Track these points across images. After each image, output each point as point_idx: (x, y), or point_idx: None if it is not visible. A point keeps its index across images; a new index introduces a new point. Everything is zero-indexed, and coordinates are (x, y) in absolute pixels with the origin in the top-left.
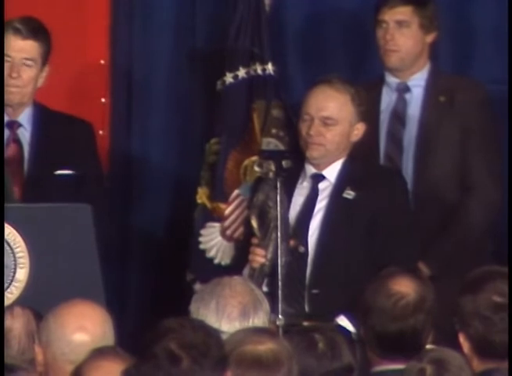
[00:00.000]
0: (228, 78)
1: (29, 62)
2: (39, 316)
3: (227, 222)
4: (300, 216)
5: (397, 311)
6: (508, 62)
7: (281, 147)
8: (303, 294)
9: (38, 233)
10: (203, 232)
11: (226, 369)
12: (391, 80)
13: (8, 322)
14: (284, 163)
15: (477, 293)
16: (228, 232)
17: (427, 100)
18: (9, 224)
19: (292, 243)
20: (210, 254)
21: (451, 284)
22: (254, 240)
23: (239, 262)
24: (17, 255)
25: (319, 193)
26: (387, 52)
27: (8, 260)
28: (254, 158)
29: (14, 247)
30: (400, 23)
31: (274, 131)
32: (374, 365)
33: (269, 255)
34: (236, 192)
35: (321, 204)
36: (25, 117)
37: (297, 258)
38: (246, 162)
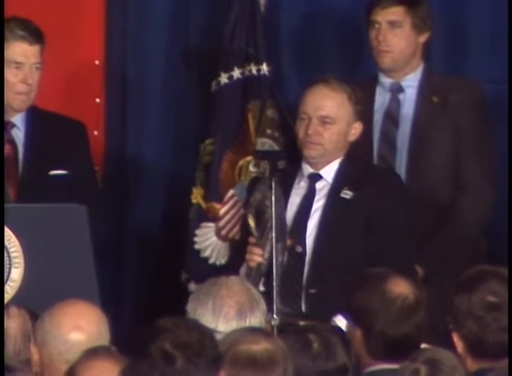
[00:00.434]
0: (223, 79)
1: (38, 65)
2: (35, 315)
3: (222, 222)
4: (297, 216)
5: (402, 312)
6: (508, 61)
7: (276, 148)
8: (300, 294)
9: (33, 233)
10: (198, 232)
11: (220, 368)
12: (385, 80)
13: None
14: (279, 163)
15: (472, 293)
16: (223, 232)
17: (420, 101)
18: (5, 224)
19: (289, 242)
20: (205, 254)
21: (444, 284)
22: (252, 240)
23: (234, 262)
24: (12, 255)
25: (317, 192)
26: (380, 53)
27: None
28: (249, 159)
29: (9, 247)
30: (392, 24)
31: (269, 131)
32: (367, 366)
33: (266, 255)
34: (230, 192)
35: (318, 204)
36: (19, 117)
37: (294, 257)
38: (241, 162)
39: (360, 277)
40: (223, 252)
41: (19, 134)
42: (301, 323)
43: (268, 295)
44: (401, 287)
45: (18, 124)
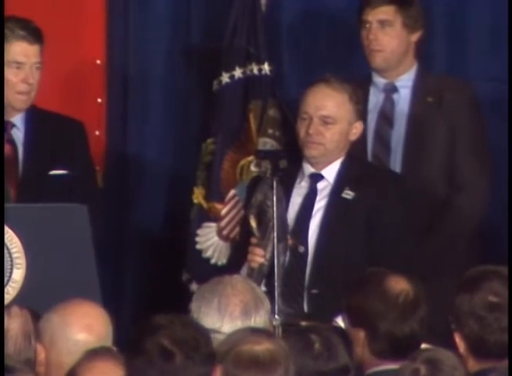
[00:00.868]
0: (225, 78)
1: (39, 65)
2: (37, 316)
3: (223, 222)
4: (299, 216)
5: (406, 308)
6: (508, 61)
7: (277, 147)
8: (302, 294)
9: (35, 233)
10: (199, 232)
11: (215, 364)
12: (378, 80)
13: (5, 322)
14: (280, 163)
15: (474, 293)
16: (225, 232)
17: (414, 101)
18: (6, 224)
19: (291, 242)
20: (207, 254)
21: (440, 282)
22: (253, 240)
23: (235, 262)
24: (14, 256)
25: (318, 192)
26: (371, 53)
27: (4, 260)
28: (251, 158)
29: (10, 247)
30: (383, 23)
31: (270, 131)
32: (370, 366)
33: (268, 255)
34: (232, 192)
35: (320, 204)
36: (18, 117)
37: (296, 257)
38: (242, 162)
39: (357, 279)
40: (225, 252)
41: (18, 134)
42: (303, 323)
43: (270, 296)
44: (400, 284)
45: (18, 123)
